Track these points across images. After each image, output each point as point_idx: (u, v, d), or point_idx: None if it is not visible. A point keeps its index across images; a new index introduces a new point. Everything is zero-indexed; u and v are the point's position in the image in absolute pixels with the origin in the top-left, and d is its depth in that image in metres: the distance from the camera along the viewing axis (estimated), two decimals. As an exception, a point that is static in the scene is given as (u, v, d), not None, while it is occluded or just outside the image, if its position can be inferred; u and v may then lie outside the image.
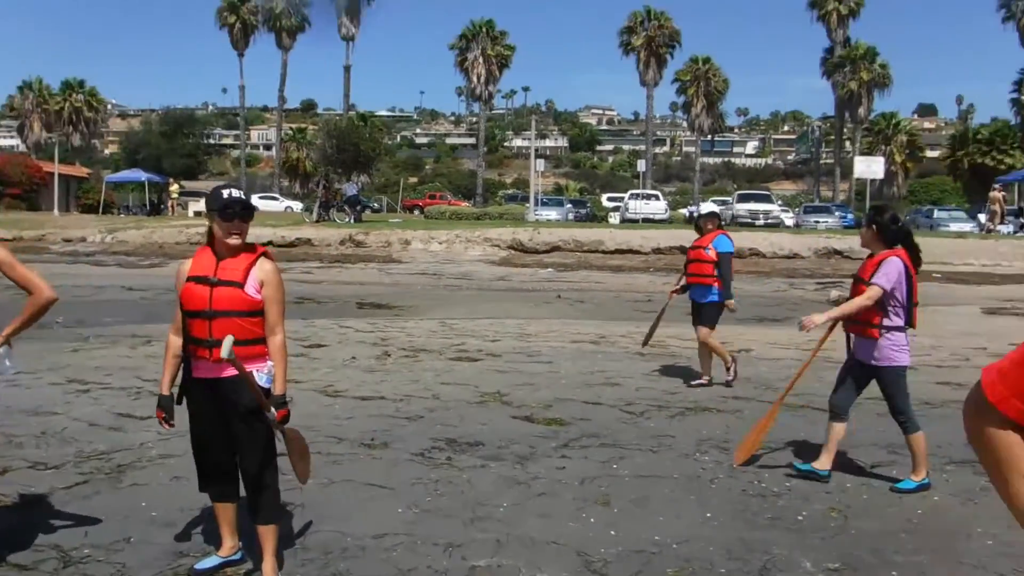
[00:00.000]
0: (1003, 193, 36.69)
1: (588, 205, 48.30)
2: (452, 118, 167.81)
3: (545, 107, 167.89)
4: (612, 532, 5.03)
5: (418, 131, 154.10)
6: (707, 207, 8.95)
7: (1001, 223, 34.44)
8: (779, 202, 47.61)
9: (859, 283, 6.17)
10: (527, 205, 39.73)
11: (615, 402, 8.26)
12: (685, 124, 71.68)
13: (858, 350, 6.14)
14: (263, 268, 4.17)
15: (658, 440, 7.01)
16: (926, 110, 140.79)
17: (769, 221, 36.47)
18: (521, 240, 27.78)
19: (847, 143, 59.46)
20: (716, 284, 8.91)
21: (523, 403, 8.15)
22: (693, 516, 5.34)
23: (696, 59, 60.76)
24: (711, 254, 8.95)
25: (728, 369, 9.10)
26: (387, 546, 4.78)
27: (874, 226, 6.12)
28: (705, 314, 9.01)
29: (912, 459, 6.02)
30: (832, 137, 64.45)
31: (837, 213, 38.95)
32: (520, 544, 4.82)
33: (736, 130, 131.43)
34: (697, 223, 9.60)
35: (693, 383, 9.08)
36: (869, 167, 19.78)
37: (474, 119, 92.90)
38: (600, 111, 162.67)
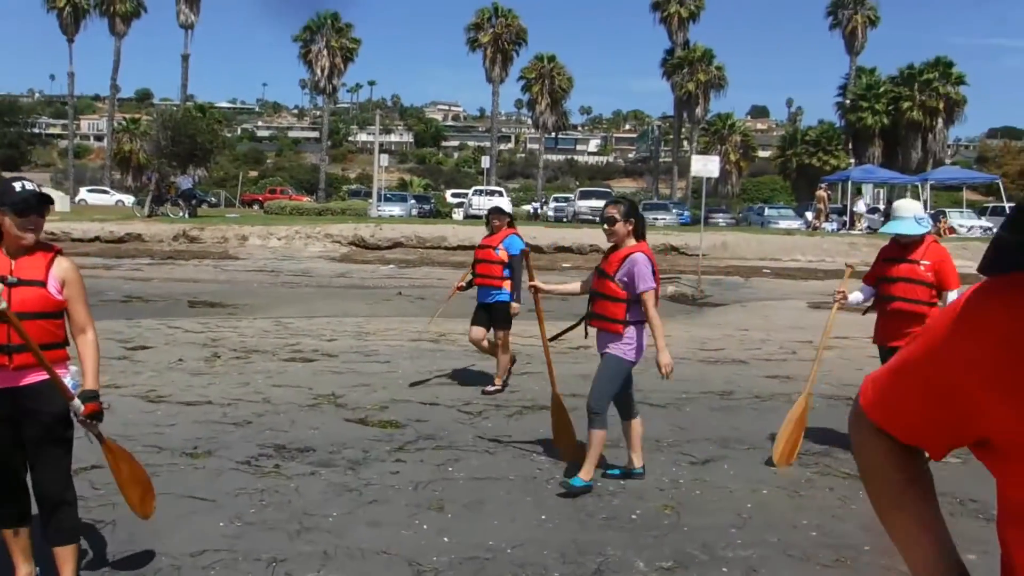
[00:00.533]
0: (827, 192, 38.85)
1: (432, 201, 48.03)
2: (296, 111, 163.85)
3: (391, 102, 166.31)
4: (445, 539, 4.86)
5: (260, 124, 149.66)
6: (499, 202, 8.28)
7: (826, 220, 36.43)
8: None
9: (603, 277, 5.80)
10: (370, 201, 39.09)
11: (453, 402, 8.09)
12: (530, 121, 72.37)
13: (600, 343, 5.88)
14: (62, 266, 3.86)
15: (493, 441, 6.88)
16: (759, 112, 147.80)
17: (610, 217, 37.09)
18: (363, 236, 27.29)
19: (685, 142, 61.56)
20: (505, 285, 8.43)
21: (358, 405, 7.87)
22: (528, 518, 5.23)
23: (541, 57, 61.38)
24: (500, 254, 8.44)
25: (499, 380, 8.63)
26: (205, 564, 4.45)
27: (632, 220, 5.81)
28: (498, 316, 8.50)
29: (586, 456, 5.79)
30: (671, 136, 66.59)
31: (675, 210, 40.26)
32: (348, 556, 4.58)
33: (579, 128, 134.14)
34: (487, 219, 8.89)
35: (488, 389, 8.58)
36: (705, 165, 20.29)
37: (318, 112, 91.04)
38: (446, 107, 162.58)
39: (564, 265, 24.66)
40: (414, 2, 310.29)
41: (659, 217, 37.95)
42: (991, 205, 42.92)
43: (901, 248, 6.36)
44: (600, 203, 39.23)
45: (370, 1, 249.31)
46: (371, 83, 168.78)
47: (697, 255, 22.37)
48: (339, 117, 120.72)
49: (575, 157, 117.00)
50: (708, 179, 21.92)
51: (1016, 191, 55.12)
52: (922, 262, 6.22)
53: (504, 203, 9.42)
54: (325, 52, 58.69)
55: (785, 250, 26.01)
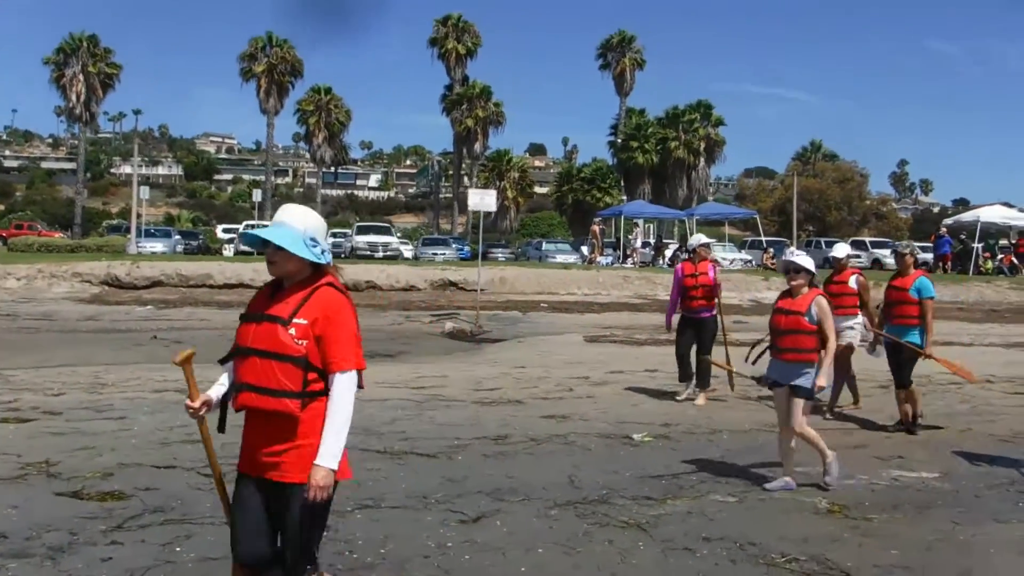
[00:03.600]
0: (602, 227, 39.99)
1: (201, 237, 45.44)
2: (50, 140, 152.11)
3: (159, 132, 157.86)
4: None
5: (8, 153, 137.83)
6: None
7: (600, 255, 37.40)
8: (398, 234, 48.21)
9: None
10: (129, 236, 36.28)
11: (193, 463, 7.01)
12: (308, 155, 70.57)
13: None
14: None
15: (238, 509, 5.92)
16: (537, 149, 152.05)
17: (388, 253, 36.51)
18: (117, 275, 24.97)
19: (465, 178, 61.91)
20: None
21: (75, 473, 6.64)
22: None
23: (318, 89, 60.01)
24: None
25: None
26: None
27: None
28: None
29: None
30: (451, 172, 66.87)
31: (454, 245, 40.08)
32: None
33: (360, 163, 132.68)
34: None
35: None
36: (482, 199, 20.08)
37: (76, 142, 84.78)
38: (220, 139, 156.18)
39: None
40: (183, 28, 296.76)
41: (439, 252, 37.60)
42: (750, 239, 45.78)
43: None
44: (379, 238, 38.67)
45: (134, 25, 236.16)
46: (136, 112, 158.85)
47: (476, 290, 22.02)
48: (100, 147, 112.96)
49: (355, 192, 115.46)
50: (487, 214, 21.67)
51: (769, 226, 59.33)
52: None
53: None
54: (81, 77, 54.58)
55: (563, 284, 26.21)
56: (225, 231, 49.99)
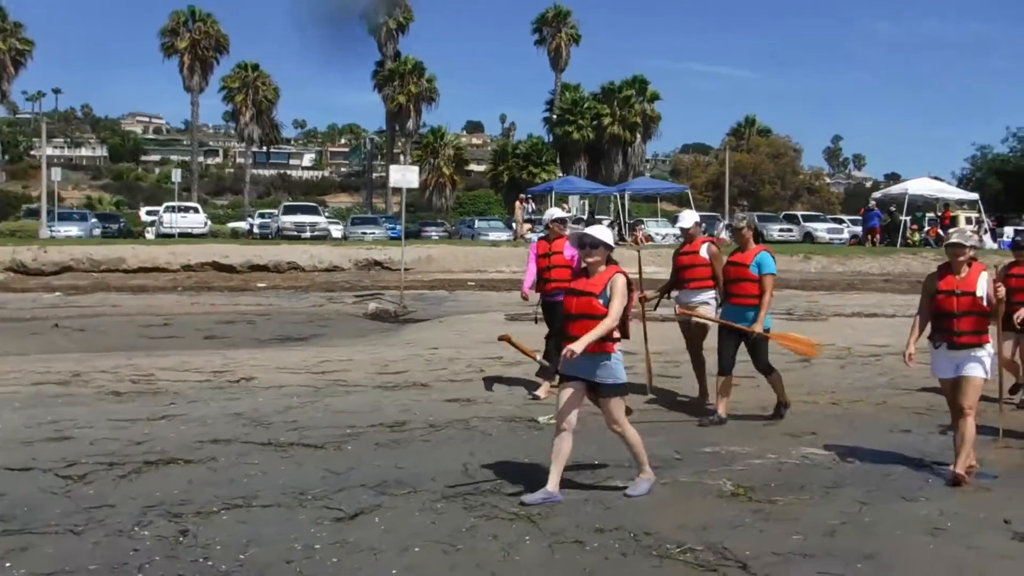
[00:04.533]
0: (526, 203, 39.34)
1: (122, 220, 43.89)
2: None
3: (81, 112, 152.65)
4: None
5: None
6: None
7: (531, 231, 36.94)
8: (326, 214, 47.23)
9: None
10: (39, 220, 34.82)
11: (53, 463, 6.41)
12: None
13: None
14: None
15: (89, 514, 5.36)
16: (474, 127, 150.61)
17: (316, 233, 35.65)
18: (23, 260, 23.95)
19: (401, 156, 60.94)
20: None
21: (-85, 478, 6.01)
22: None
23: (245, 66, 58.53)
24: None
25: None
26: None
27: None
28: None
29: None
30: (385, 151, 65.80)
31: (385, 224, 39.33)
32: None
33: (293, 142, 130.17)
34: None
35: None
36: (404, 176, 19.53)
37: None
38: (147, 119, 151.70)
39: (259, 285, 22.88)
40: (102, 2, 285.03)
41: (368, 231, 36.87)
42: (682, 215, 45.76)
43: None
44: (306, 218, 37.77)
45: (48, 1, 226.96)
46: (56, 91, 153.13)
47: (400, 270, 21.49)
48: (19, 128, 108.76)
49: (289, 172, 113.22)
50: (412, 191, 21.14)
51: (703, 201, 59.55)
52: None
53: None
54: (-10, 54, 52.50)
55: (491, 262, 25.80)
56: (148, 213, 48.51)
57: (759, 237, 7.88)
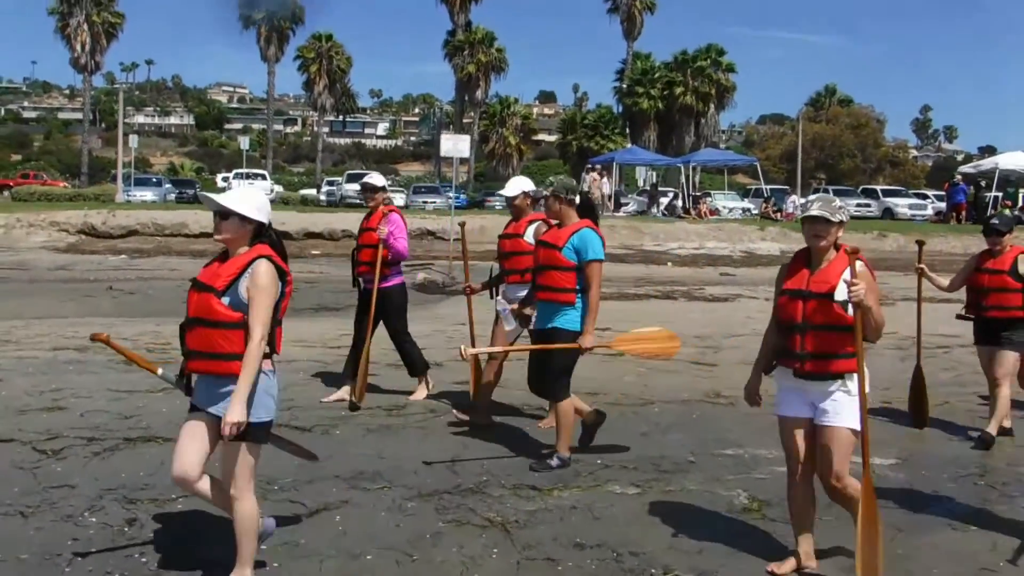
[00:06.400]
0: (601, 173, 38.32)
1: (197, 185, 44.77)
2: (67, 92, 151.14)
3: (171, 83, 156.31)
4: None
5: (27, 104, 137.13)
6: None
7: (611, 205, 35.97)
8: (389, 182, 47.11)
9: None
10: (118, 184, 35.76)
11: (35, 435, 6.18)
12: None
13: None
14: None
15: (45, 495, 5.08)
16: (547, 97, 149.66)
17: (377, 201, 35.48)
18: (93, 224, 24.41)
19: (469, 126, 60.59)
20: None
21: None
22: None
23: (319, 36, 58.91)
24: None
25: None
26: None
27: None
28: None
29: None
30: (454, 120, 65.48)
31: (448, 193, 39.01)
32: None
33: (369, 111, 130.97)
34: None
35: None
36: (456, 145, 19.18)
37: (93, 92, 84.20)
38: (231, 89, 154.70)
39: (313, 252, 22.76)
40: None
41: (430, 200, 36.58)
42: (753, 187, 44.26)
43: None
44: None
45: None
46: (148, 62, 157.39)
47: (451, 240, 21.11)
48: (114, 98, 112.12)
49: (363, 141, 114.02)
50: (463, 160, 20.67)
51: (777, 173, 57.72)
52: None
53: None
54: (85, 27, 54.01)
55: (548, 233, 25.16)
56: (224, 180, 49.39)
57: (589, 210, 5.94)
